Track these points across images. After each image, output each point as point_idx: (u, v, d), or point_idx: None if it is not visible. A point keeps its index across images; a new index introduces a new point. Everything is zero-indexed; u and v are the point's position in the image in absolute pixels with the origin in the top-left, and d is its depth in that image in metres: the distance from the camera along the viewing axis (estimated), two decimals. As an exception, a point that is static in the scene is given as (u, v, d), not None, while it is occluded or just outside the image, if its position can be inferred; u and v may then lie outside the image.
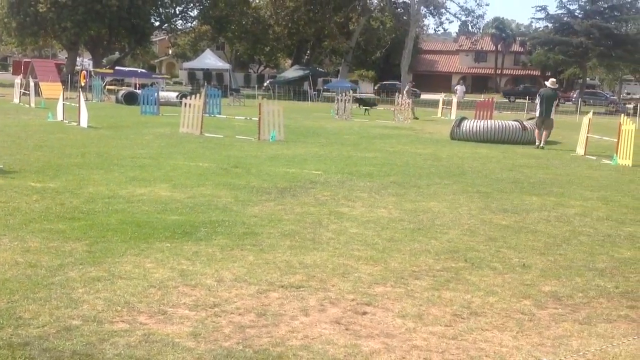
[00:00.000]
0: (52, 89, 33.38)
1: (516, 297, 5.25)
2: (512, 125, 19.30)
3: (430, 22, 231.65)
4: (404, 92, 31.31)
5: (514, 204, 9.19)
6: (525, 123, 19.72)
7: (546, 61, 63.00)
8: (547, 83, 19.27)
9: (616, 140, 15.23)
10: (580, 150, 16.75)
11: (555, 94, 18.87)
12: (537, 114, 18.59)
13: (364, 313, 4.79)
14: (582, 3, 59.81)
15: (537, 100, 18.68)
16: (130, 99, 31.85)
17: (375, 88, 68.30)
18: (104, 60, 59.90)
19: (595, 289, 5.55)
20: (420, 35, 74.47)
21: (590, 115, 17.36)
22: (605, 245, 7.04)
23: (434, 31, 78.73)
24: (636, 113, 33.29)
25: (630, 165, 14.28)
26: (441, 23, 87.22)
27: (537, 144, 18.07)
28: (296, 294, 5.14)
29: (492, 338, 4.42)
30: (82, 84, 36.63)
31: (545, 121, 18.25)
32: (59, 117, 20.74)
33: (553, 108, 18.39)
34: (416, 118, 29.09)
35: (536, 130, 18.45)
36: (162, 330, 4.31)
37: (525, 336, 4.48)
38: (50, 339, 4.09)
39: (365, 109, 32.26)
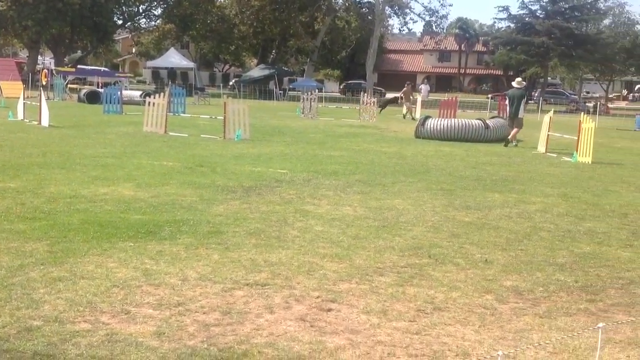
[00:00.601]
0: (13, 87, 32.82)
1: (478, 292, 5.33)
2: (475, 124, 19.53)
3: (394, 22, 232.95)
4: (401, 94, 31.32)
5: (476, 201, 9.31)
6: (488, 122, 19.97)
7: (508, 61, 63.81)
8: (514, 83, 19.54)
9: (576, 138, 15.51)
10: (541, 148, 17.02)
11: (523, 93, 19.15)
12: (508, 114, 18.85)
13: (329, 310, 4.82)
14: (544, 3, 60.71)
15: (506, 101, 18.96)
16: (93, 97, 31.44)
17: (341, 87, 68.47)
18: (66, 59, 59.03)
19: (556, 283, 5.66)
20: (385, 34, 74.90)
21: (551, 113, 17.65)
22: (565, 241, 7.18)
23: (398, 31, 79.26)
24: (596, 111, 33.96)
25: (590, 162, 14.56)
26: (405, 23, 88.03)
27: (513, 143, 18.38)
28: (261, 291, 5.14)
29: (455, 332, 4.48)
30: (44, 83, 36.06)
31: (515, 120, 18.55)
32: (20, 116, 20.39)
33: (522, 107, 18.67)
34: (413, 119, 27.92)
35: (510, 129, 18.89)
36: (125, 330, 4.28)
37: (487, 330, 4.55)
38: (11, 340, 4.03)
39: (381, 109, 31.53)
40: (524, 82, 20.55)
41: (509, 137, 18.39)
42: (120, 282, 5.21)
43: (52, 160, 11.69)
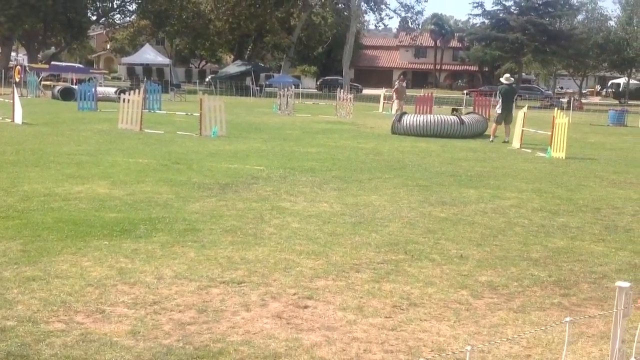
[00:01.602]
0: (-15, 84, 32.31)
1: (454, 288, 5.37)
2: (451, 120, 19.66)
3: (370, 18, 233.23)
4: (394, 91, 28.52)
5: (452, 197, 9.37)
6: (463, 117, 20.11)
7: (483, 57, 64.30)
8: (504, 80, 19.72)
9: (550, 133, 15.67)
10: (516, 143, 17.17)
11: (514, 89, 19.37)
12: (499, 110, 18.95)
13: (305, 307, 4.82)
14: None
15: (499, 98, 19.09)
16: (67, 94, 31.12)
17: (318, 83, 68.46)
18: (40, 55, 58.19)
19: (530, 278, 5.72)
20: (361, 30, 75.01)
21: (525, 109, 17.81)
22: (539, 236, 7.26)
23: (374, 27, 79.71)
24: (569, 107, 34.34)
25: (564, 157, 14.73)
26: (381, 19, 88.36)
27: (491, 138, 18.56)
28: (237, 289, 5.13)
29: (430, 328, 4.52)
30: (17, 80, 35.61)
31: (507, 116, 18.72)
32: (-8, 113, 20.11)
33: (513, 103, 18.94)
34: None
35: (494, 125, 19.03)
36: (99, 330, 4.25)
37: (462, 325, 4.59)
38: (-17, 341, 3.98)
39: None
40: (512, 78, 20.71)
41: (507, 134, 18.52)
42: (95, 281, 5.17)
43: (26, 158, 11.55)
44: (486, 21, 63.81)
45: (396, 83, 28.83)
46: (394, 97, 28.04)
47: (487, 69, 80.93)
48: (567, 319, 2.86)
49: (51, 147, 13.22)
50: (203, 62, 78.31)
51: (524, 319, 4.76)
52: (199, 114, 17.41)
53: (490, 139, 18.58)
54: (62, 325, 4.29)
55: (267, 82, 53.61)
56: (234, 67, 55.40)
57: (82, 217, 7.25)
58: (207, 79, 59.97)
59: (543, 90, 65.69)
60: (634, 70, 65.06)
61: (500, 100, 18.94)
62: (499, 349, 4.19)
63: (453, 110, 29.11)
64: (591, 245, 6.92)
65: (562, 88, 74.48)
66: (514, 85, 19.55)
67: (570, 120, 17.14)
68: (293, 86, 34.20)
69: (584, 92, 68.86)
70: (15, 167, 10.46)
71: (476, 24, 68.33)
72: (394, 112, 27.34)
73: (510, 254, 6.44)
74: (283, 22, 59.48)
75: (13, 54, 58.93)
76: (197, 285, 5.17)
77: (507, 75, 20.25)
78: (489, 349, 4.17)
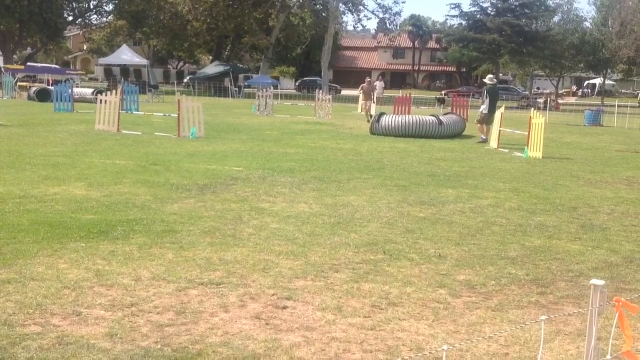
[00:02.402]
0: (-42, 85, 31.88)
1: (432, 287, 5.39)
2: (429, 120, 19.75)
3: (349, 19, 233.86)
4: (360, 90, 28.00)
5: (430, 197, 9.41)
6: (441, 117, 20.21)
7: (461, 58, 64.80)
8: (487, 80, 19.76)
9: (527, 133, 15.81)
10: (493, 143, 17.30)
11: (498, 89, 19.40)
12: (486, 110, 18.77)
13: (284, 307, 4.81)
14: (494, 1, 61.72)
15: (486, 97, 18.92)
16: (43, 95, 30.81)
17: (296, 84, 68.43)
18: (15, 56, 57.55)
19: (507, 276, 5.76)
20: (339, 31, 75.05)
21: (502, 109, 17.95)
22: (517, 235, 7.31)
23: (353, 28, 79.61)
24: (546, 107, 34.66)
25: (541, 157, 14.86)
26: (359, 20, 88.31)
27: (484, 137, 18.53)
28: (216, 290, 5.11)
29: (409, 327, 4.53)
30: (-9, 81, 35.15)
31: (491, 117, 18.71)
32: (-34, 114, 19.84)
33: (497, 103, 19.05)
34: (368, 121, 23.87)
35: (479, 125, 19.03)
36: (76, 332, 4.20)
37: (440, 324, 4.61)
38: (-43, 345, 3.92)
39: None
40: (495, 79, 20.77)
41: (486, 133, 18.57)
42: (72, 283, 5.12)
43: (1, 160, 11.40)
44: (463, 22, 64.33)
45: (364, 84, 27.87)
46: (361, 96, 27.23)
47: (464, 70, 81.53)
48: (543, 317, 2.88)
49: (27, 149, 13.06)
50: (181, 63, 77.96)
51: (502, 317, 4.79)
52: (177, 115, 17.31)
53: (484, 138, 18.53)
54: (38, 328, 4.24)
55: (246, 83, 53.47)
56: (212, 68, 55.13)
57: (59, 218, 7.18)
58: (185, 80, 59.71)
59: (520, 91, 66.26)
60: (609, 70, 65.84)
61: (488, 100, 18.82)
62: (477, 348, 4.22)
63: (438, 99, 28.96)
64: (568, 244, 6.99)
65: (538, 88, 75.15)
66: (497, 85, 19.62)
67: (547, 120, 17.29)
68: (272, 87, 34.14)
69: (560, 92, 69.54)
70: (-11, 169, 10.32)
71: (453, 25, 68.81)
72: (366, 111, 26.61)
73: (488, 253, 6.48)
74: (261, 22, 59.29)
75: (-13, 54, 58.23)
76: (175, 287, 5.14)
77: (491, 75, 20.36)
78: (468, 348, 4.20)
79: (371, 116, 24.11)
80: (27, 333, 4.15)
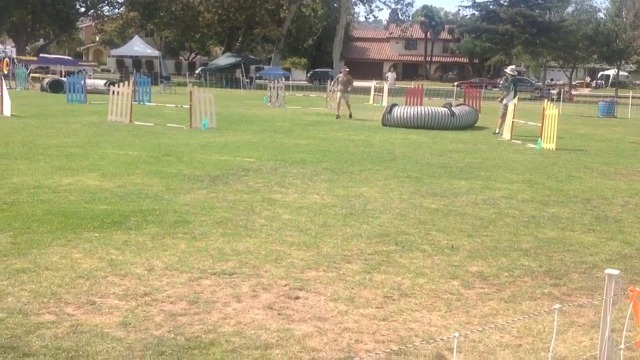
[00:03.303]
0: (-28, 77, 32.06)
1: (444, 278, 5.38)
2: (442, 112, 19.67)
3: (360, 10, 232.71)
4: (338, 82, 23.48)
5: (443, 188, 9.39)
6: (454, 109, 20.12)
7: (473, 48, 64.44)
8: (509, 71, 19.50)
9: (540, 124, 15.71)
10: (506, 135, 17.21)
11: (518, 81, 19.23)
12: (509, 101, 18.11)
13: (297, 298, 4.82)
14: (507, -9, 61.32)
15: (511, 90, 18.37)
16: (56, 86, 30.93)
17: (308, 75, 68.37)
18: (28, 48, 57.84)
19: (520, 268, 5.74)
20: (351, 22, 74.89)
21: (515, 100, 17.84)
22: (530, 226, 7.28)
23: (364, 19, 79.46)
24: (560, 98, 34.44)
25: (554, 148, 14.77)
26: (371, 11, 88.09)
27: (497, 132, 18.24)
28: (228, 280, 5.12)
29: (422, 318, 4.52)
30: (5, 72, 35.36)
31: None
32: (-20, 106, 19.95)
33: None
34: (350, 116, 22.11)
35: (501, 119, 18.42)
36: (90, 321, 4.23)
37: (453, 315, 4.60)
38: (-27, 334, 3.96)
39: None
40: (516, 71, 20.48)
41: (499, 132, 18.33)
42: (86, 272, 5.15)
43: (15, 151, 11.48)
44: (476, 13, 63.96)
45: (340, 74, 23.82)
46: (338, 88, 22.86)
47: (477, 61, 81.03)
48: (556, 306, 2.87)
49: (40, 140, 13.14)
50: (193, 55, 78.01)
51: (515, 309, 4.77)
52: (188, 106, 17.34)
53: (497, 132, 18.23)
54: (53, 316, 4.28)
55: (257, 74, 53.51)
56: (223, 59, 55.15)
57: (72, 209, 7.22)
58: (196, 71, 59.80)
59: (533, 82, 65.83)
60: (623, 62, 65.27)
61: (513, 91, 18.38)
62: (490, 339, 4.21)
63: (458, 84, 28.38)
64: (581, 236, 6.95)
65: (552, 80, 74.66)
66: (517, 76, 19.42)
67: (560, 112, 17.19)
68: (283, 78, 34.12)
69: (573, 83, 69.07)
70: (4, 160, 10.40)
71: (466, 15, 68.49)
72: (337, 105, 22.47)
73: (500, 245, 6.46)
74: (273, 14, 59.27)
75: (1, 46, 58.52)
76: (188, 277, 5.16)
77: (513, 66, 20.15)
78: (480, 339, 4.19)
79: (351, 115, 21.71)
80: (41, 322, 4.18)
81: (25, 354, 3.71)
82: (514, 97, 18.16)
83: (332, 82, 24.16)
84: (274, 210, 7.56)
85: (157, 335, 4.05)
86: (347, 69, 24.65)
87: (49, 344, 3.87)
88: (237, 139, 14.61)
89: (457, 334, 2.32)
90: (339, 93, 22.53)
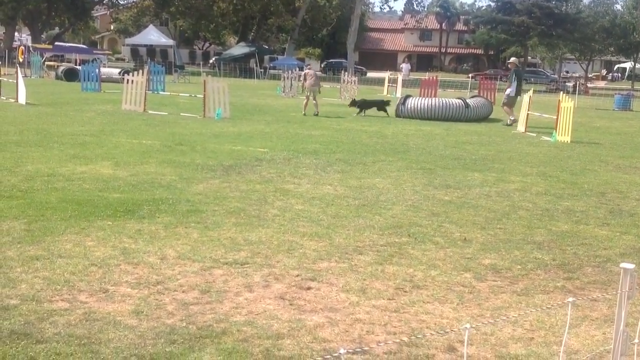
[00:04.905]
0: (-12, 64, 32.24)
1: (457, 270, 5.36)
2: (456, 103, 19.57)
3: (375, 0, 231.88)
4: (304, 75, 20.68)
5: (456, 180, 9.35)
6: (468, 101, 20.01)
7: (489, 40, 64.01)
8: (514, 61, 19.67)
9: (555, 117, 15.60)
10: (521, 127, 17.10)
11: (522, 72, 19.38)
12: (513, 92, 18.72)
13: (308, 288, 4.82)
14: (524, -18, 60.75)
15: (513, 80, 18.74)
16: (71, 75, 31.06)
17: (322, 66, 68.20)
18: (43, 36, 58.08)
19: (533, 261, 5.71)
20: (366, 13, 74.58)
21: (530, 93, 17.71)
22: (544, 219, 7.23)
23: (379, 9, 79.15)
24: (575, 91, 34.16)
25: (569, 141, 14.66)
26: (386, 1, 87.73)
27: (512, 118, 18.46)
28: (241, 270, 5.13)
29: (434, 310, 4.51)
30: (20, 60, 35.49)
31: (516, 99, 18.80)
32: (-4, 93, 20.08)
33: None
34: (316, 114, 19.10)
35: (506, 108, 18.97)
36: (103, 309, 4.25)
37: (465, 308, 4.59)
38: (-13, 320, 3.99)
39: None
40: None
41: (512, 118, 18.49)
42: (99, 260, 5.17)
43: (30, 138, 11.54)
44: (492, 4, 63.50)
45: (306, 68, 22.27)
46: (303, 83, 20.68)
47: (492, 52, 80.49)
48: (570, 299, 2.84)
49: (55, 128, 13.20)
50: (207, 44, 77.97)
51: (528, 302, 4.75)
52: (202, 96, 17.35)
53: (512, 119, 18.39)
54: (66, 304, 4.30)
55: (271, 64, 53.41)
56: (237, 49, 55.17)
57: (86, 197, 7.25)
58: (210, 61, 59.73)
59: (548, 74, 65.37)
60: (639, 54, 64.61)
61: (516, 83, 18.66)
62: (502, 331, 4.19)
63: (473, 75, 27.97)
64: (595, 229, 6.90)
65: (567, 72, 74.10)
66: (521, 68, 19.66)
67: (576, 105, 17.05)
68: (297, 68, 34.05)
69: (589, 76, 68.48)
70: (18, 147, 10.46)
71: (482, 6, 68.29)
72: (305, 104, 19.29)
73: (514, 238, 6.42)
74: (287, 3, 59.05)
75: (17, 34, 58.77)
76: (201, 266, 5.17)
77: (514, 58, 20.30)
78: (492, 331, 4.17)
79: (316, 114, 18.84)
80: (54, 309, 4.21)
81: (38, 341, 3.74)
82: (518, 88, 18.44)
83: (302, 78, 21.08)
84: (286, 201, 7.55)
85: (169, 324, 4.06)
86: (309, 65, 23.98)
87: (62, 331, 3.89)
88: (250, 129, 14.61)
89: (468, 326, 2.31)
90: (307, 91, 19.61)
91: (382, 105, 19.93)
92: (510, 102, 18.79)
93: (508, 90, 19.02)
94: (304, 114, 18.67)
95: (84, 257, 5.23)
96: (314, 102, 19.17)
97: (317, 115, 18.84)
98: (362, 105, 19.83)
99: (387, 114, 19.29)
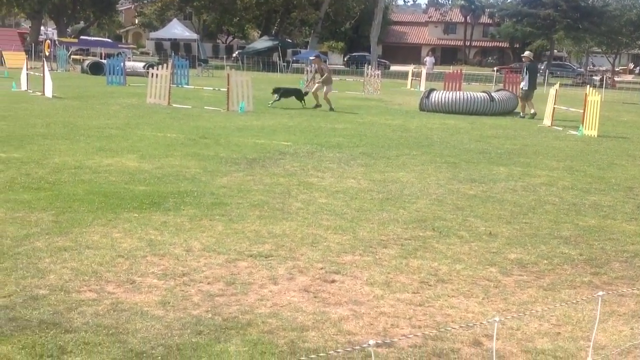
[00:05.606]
0: (16, 58, 32.66)
1: (482, 265, 5.33)
2: (481, 97, 19.42)
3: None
4: (316, 73, 19.62)
5: (481, 174, 9.29)
6: (493, 94, 19.85)
7: (514, 33, 63.29)
8: (528, 55, 19.74)
9: (582, 111, 15.42)
10: (547, 121, 16.93)
11: (537, 66, 19.57)
12: (526, 86, 18.91)
13: (333, 281, 4.83)
14: (550, -25, 59.97)
15: (525, 74, 18.97)
16: (96, 69, 31.32)
17: (345, 59, 68.05)
18: (69, 30, 58.67)
19: (560, 256, 5.66)
20: (389, 6, 74.26)
21: (557, 86, 17.53)
22: (570, 214, 7.16)
23: (403, 2, 78.92)
24: (602, 85, 33.73)
25: (596, 135, 14.49)
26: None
27: (532, 111, 18.60)
28: (265, 263, 5.15)
29: (459, 304, 4.49)
30: (47, 54, 35.91)
31: (532, 93, 18.95)
32: (23, 86, 20.34)
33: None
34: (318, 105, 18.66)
35: (521, 103, 19.20)
36: (130, 299, 4.30)
37: (490, 302, 4.56)
38: (17, 309, 4.05)
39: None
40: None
41: (531, 108, 18.67)
42: (125, 252, 5.23)
43: (56, 131, 11.67)
44: (517, -4, 62.73)
45: (315, 63, 20.33)
46: (314, 78, 19.65)
47: (517, 46, 79.64)
48: (600, 293, 2.81)
49: (81, 121, 13.34)
50: (230, 38, 78.21)
51: (554, 297, 4.71)
52: (226, 89, 17.41)
53: (522, 115, 18.61)
54: (94, 294, 4.35)
55: (294, 58, 53.40)
56: (261, 43, 55.21)
57: (112, 189, 7.32)
58: (234, 55, 59.91)
59: (575, 68, 64.57)
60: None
61: (528, 77, 18.81)
62: (528, 326, 4.16)
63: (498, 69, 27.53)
64: (623, 224, 6.82)
65: (594, 65, 73.14)
66: (535, 62, 19.78)
67: (603, 98, 16.83)
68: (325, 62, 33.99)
69: (616, 69, 67.54)
70: (46, 140, 10.59)
71: (507, -1, 67.23)
72: (314, 93, 18.90)
73: (540, 232, 6.37)
74: (310, -3, 59.02)
75: (42, 28, 59.42)
76: (225, 258, 5.20)
77: (529, 52, 20.43)
78: (519, 326, 4.14)
79: (331, 108, 18.14)
80: (82, 299, 4.26)
81: (67, 330, 3.79)
82: (532, 82, 18.81)
83: (311, 73, 19.71)
84: (310, 194, 7.56)
85: (195, 315, 4.10)
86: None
87: (90, 320, 3.94)
88: (273, 123, 14.63)
89: (497, 319, 2.29)
90: (317, 84, 19.00)
91: (300, 95, 19.08)
92: (526, 96, 18.89)
93: (522, 84, 19.32)
94: (332, 109, 18.14)
95: (111, 249, 5.29)
96: (325, 96, 18.48)
97: (316, 107, 18.31)
98: (282, 93, 19.04)
99: (304, 104, 18.57)
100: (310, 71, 20.09)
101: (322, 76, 18.92)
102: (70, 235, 5.57)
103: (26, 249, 5.16)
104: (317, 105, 18.60)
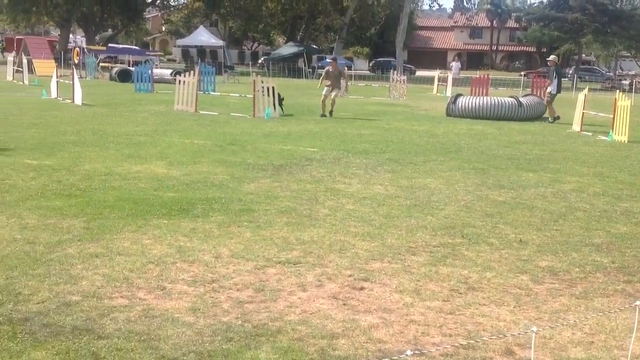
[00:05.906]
0: (46, 66, 33.13)
1: (513, 272, 5.28)
2: (508, 102, 19.26)
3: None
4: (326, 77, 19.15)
5: (510, 180, 9.21)
6: (521, 99, 19.69)
7: (541, 37, 62.68)
8: (553, 58, 19.76)
9: (612, 116, 15.22)
10: (576, 126, 16.74)
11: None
12: (555, 90, 18.92)
13: (362, 288, 4.81)
14: (578, -22, 59.37)
15: (554, 77, 18.93)
16: (124, 76, 31.65)
17: (370, 65, 67.99)
18: (97, 37, 59.40)
19: (592, 264, 5.58)
20: (415, 11, 74.05)
21: (586, 91, 17.34)
22: (602, 221, 7.07)
23: (428, 7, 78.65)
24: (632, 89, 33.27)
25: (626, 141, 14.29)
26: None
27: (556, 115, 18.60)
28: (293, 269, 5.15)
29: (490, 312, 4.45)
30: (76, 61, 36.40)
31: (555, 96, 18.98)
32: (53, 94, 20.63)
33: None
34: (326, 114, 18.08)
35: (549, 106, 19.09)
36: (161, 306, 4.33)
37: (522, 310, 4.51)
38: (51, 315, 4.10)
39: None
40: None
41: (556, 115, 18.67)
42: (156, 258, 5.27)
43: (86, 139, 11.82)
44: (544, 0, 62.23)
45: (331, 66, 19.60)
46: (328, 82, 18.88)
47: (545, 50, 78.87)
48: (638, 302, 2.77)
49: (110, 128, 13.49)
50: (256, 44, 78.61)
51: (587, 305, 4.65)
52: (252, 96, 17.49)
53: (550, 120, 18.47)
54: (125, 300, 4.39)
55: (320, 64, 53.47)
56: (286, 49, 55.40)
57: (142, 196, 7.39)
58: (259, 61, 60.15)
59: (604, 72, 63.81)
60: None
61: (557, 81, 18.73)
62: (561, 335, 4.11)
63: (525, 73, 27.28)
64: (656, 232, 6.71)
65: (622, 70, 72.18)
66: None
67: (633, 103, 16.59)
68: (345, 68, 34.02)
69: (646, 74, 66.54)
70: (76, 147, 10.73)
71: (534, 3, 66.88)
72: (323, 102, 18.23)
73: (571, 239, 6.29)
74: (335, 3, 59.06)
75: (71, 36, 60.27)
76: (254, 265, 5.22)
77: (554, 56, 20.56)
78: (551, 335, 4.09)
79: (329, 113, 17.90)
80: (114, 305, 4.30)
81: (100, 336, 3.83)
82: (559, 85, 18.82)
83: (322, 77, 19.51)
84: (337, 201, 7.56)
85: (225, 322, 4.11)
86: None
87: (122, 327, 3.97)
88: (299, 129, 14.67)
89: (535, 329, 2.27)
90: (328, 88, 18.46)
91: (279, 100, 18.06)
92: (552, 100, 18.80)
93: (550, 88, 19.15)
94: (330, 115, 17.78)
95: (141, 255, 5.33)
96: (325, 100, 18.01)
97: (326, 115, 17.84)
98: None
99: (282, 110, 18.02)
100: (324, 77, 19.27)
101: (344, 78, 19.07)
102: (101, 242, 5.63)
103: (59, 256, 5.23)
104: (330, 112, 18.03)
